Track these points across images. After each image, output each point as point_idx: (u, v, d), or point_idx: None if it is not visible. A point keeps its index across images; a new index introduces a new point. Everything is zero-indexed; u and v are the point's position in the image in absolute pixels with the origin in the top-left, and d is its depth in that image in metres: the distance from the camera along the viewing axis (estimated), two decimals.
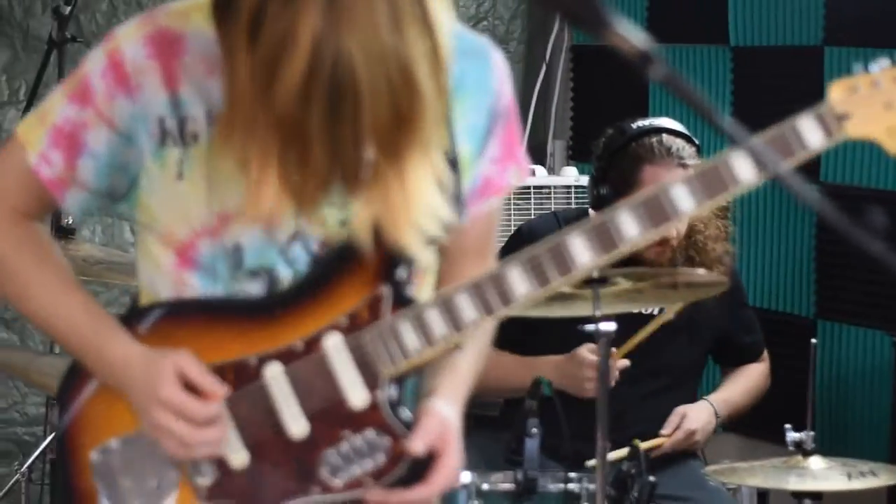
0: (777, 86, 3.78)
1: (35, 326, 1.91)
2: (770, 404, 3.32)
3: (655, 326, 2.93)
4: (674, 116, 3.13)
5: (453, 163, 1.64)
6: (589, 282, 2.47)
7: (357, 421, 1.63)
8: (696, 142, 3.06)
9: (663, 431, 3.07)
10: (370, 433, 1.64)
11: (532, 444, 2.45)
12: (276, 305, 1.65)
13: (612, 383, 2.68)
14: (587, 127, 4.16)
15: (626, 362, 2.90)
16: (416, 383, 1.71)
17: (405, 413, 1.64)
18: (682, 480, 3.07)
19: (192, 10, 1.62)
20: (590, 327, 2.45)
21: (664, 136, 3.01)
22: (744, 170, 1.56)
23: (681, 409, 3.12)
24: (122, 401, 1.67)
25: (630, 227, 1.58)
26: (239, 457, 1.65)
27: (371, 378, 1.62)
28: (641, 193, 1.59)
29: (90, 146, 1.65)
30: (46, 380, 3.02)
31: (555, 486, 2.57)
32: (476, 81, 1.68)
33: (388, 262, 1.62)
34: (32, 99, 3.72)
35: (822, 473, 2.73)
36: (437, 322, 1.61)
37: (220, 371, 1.63)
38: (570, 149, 4.30)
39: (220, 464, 1.65)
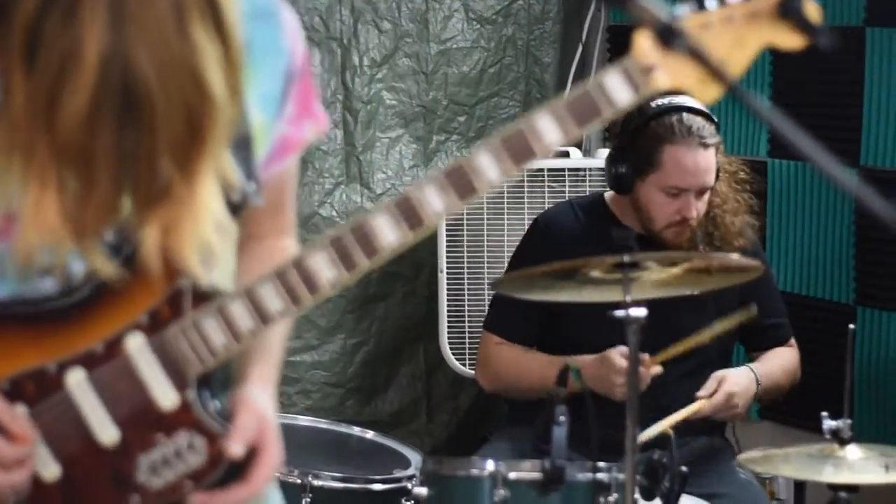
0: (818, 67, 3.71)
1: None
2: (807, 392, 3.27)
3: (694, 343, 2.87)
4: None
5: (245, 139, 1.55)
6: (619, 266, 2.43)
7: (169, 423, 1.54)
8: (716, 120, 3.02)
9: (700, 393, 2.97)
10: (184, 435, 1.54)
11: (560, 432, 2.40)
12: (71, 305, 1.53)
13: (644, 388, 2.64)
14: None
15: (658, 369, 2.84)
16: (224, 369, 1.62)
17: (216, 406, 1.56)
18: (712, 473, 3.02)
19: None
20: (619, 313, 2.40)
21: (684, 114, 2.96)
22: (550, 134, 1.48)
23: (719, 373, 3.03)
24: None
25: (435, 200, 1.50)
26: (50, 471, 1.55)
27: (179, 378, 1.53)
28: (446, 167, 1.52)
29: None
30: None
31: (583, 476, 2.52)
32: (266, 45, 1.58)
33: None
34: None
35: (858, 464, 2.67)
36: (242, 316, 1.52)
37: (19, 384, 1.53)
38: (605, 130, 4.24)
39: (33, 479, 1.54)
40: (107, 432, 1.54)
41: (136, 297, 1.54)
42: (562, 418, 2.40)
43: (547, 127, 1.48)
